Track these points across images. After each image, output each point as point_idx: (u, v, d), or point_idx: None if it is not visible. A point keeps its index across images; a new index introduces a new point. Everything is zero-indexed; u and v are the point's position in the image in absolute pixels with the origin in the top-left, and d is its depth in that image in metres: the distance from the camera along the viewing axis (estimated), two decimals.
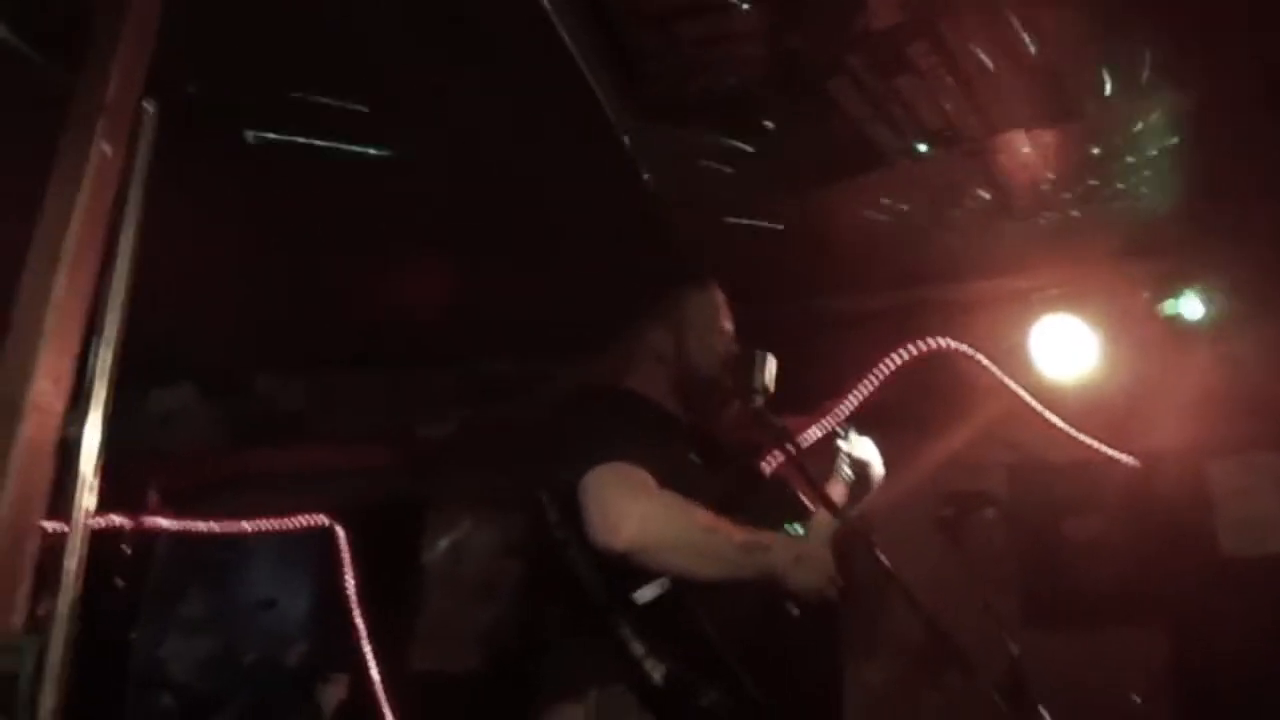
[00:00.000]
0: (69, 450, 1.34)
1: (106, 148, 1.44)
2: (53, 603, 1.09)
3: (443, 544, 4.61)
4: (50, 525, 1.37)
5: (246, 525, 4.66)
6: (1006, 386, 3.99)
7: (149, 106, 1.31)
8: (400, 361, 4.52)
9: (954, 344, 4.02)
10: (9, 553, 1.19)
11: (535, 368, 4.30)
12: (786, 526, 2.45)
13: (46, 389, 1.29)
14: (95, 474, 1.30)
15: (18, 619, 1.14)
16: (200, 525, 4.65)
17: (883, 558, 2.28)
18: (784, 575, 2.26)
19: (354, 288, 3.92)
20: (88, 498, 1.25)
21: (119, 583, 4.17)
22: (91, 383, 1.22)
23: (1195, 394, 3.82)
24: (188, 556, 4.77)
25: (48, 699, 1.05)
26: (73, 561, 1.10)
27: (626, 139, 3.10)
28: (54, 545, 1.28)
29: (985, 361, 4.01)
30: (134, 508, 4.22)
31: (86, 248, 1.39)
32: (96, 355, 1.21)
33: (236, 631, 4.72)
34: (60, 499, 1.32)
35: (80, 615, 1.18)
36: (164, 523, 4.51)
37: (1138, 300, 3.91)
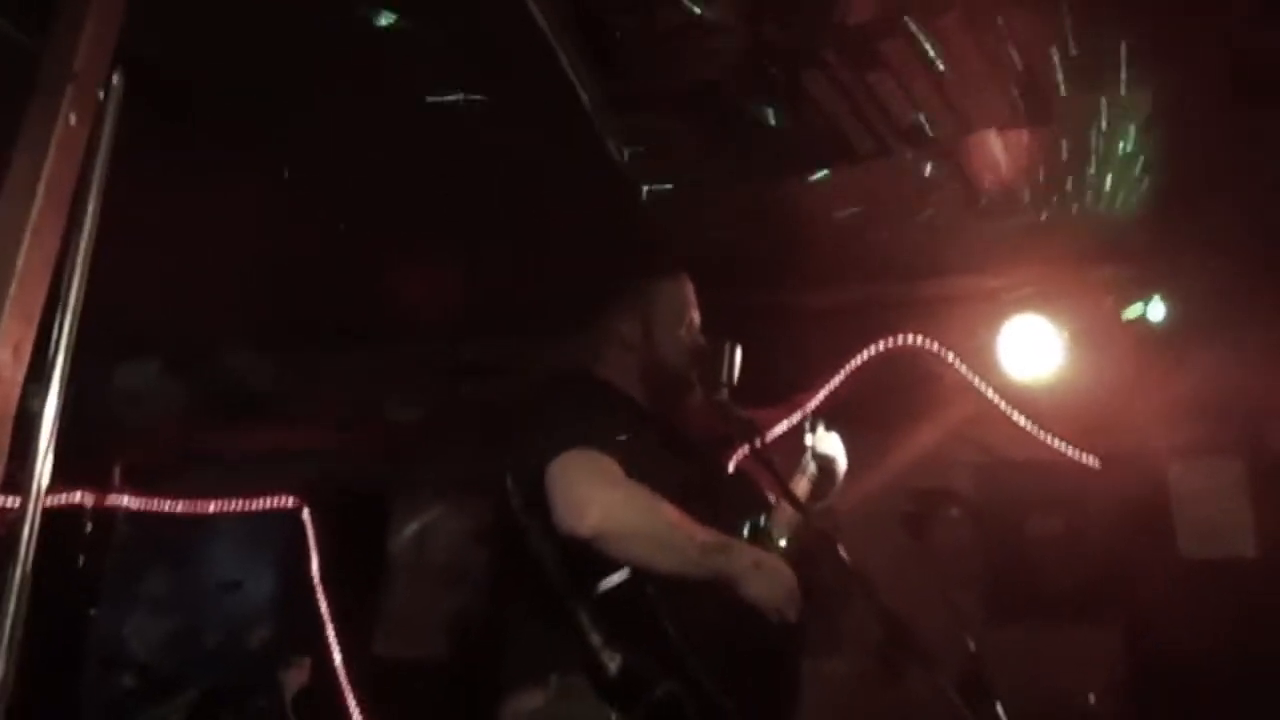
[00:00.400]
0: (27, 423, 1.33)
1: (73, 118, 1.43)
2: (5, 575, 1.08)
3: (410, 529, 4.60)
4: (6, 500, 1.36)
5: (211, 505, 4.64)
6: (973, 385, 4.03)
7: (117, 78, 1.30)
8: (371, 342, 4.50)
9: (922, 341, 4.05)
10: None
11: (507, 351, 4.29)
12: (756, 521, 2.46)
13: (6, 359, 1.28)
14: (51, 446, 1.29)
15: None
16: (164, 504, 4.62)
17: (844, 553, 2.29)
18: (741, 581, 2.26)
19: (326, 267, 3.90)
20: (45, 469, 1.24)
21: (80, 559, 4.14)
22: (54, 355, 1.21)
23: (1158, 397, 3.87)
24: (151, 535, 4.74)
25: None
26: (27, 532, 1.08)
27: (601, 128, 3.10)
28: (10, 520, 1.28)
29: (953, 360, 4.05)
30: (97, 484, 4.19)
31: (50, 218, 1.38)
32: (59, 327, 1.20)
33: (199, 612, 4.69)
34: (20, 473, 1.31)
35: (37, 590, 1.17)
36: (127, 500, 4.48)
37: (1104, 303, 3.95)
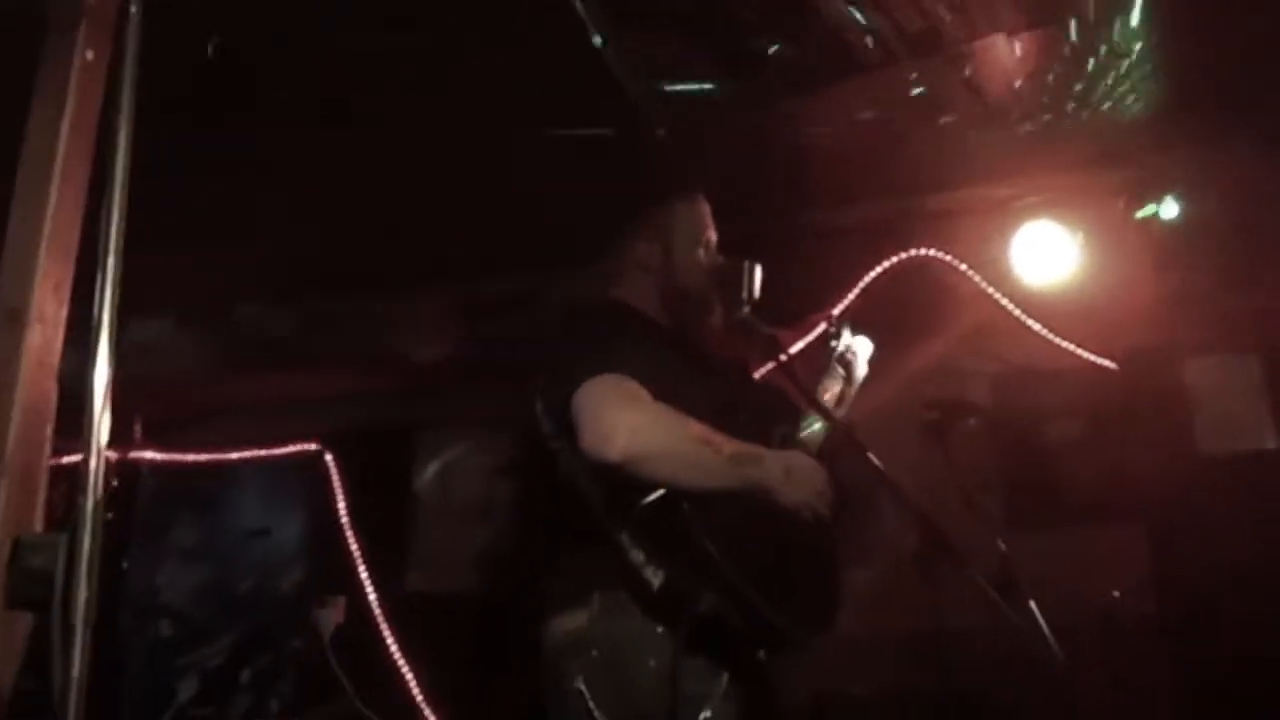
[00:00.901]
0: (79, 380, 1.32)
1: (89, 53, 1.42)
2: (79, 501, 1.10)
3: (434, 467, 4.64)
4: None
5: (234, 454, 4.67)
6: (988, 295, 4.02)
7: (134, 8, 1.28)
8: (389, 284, 4.50)
9: (935, 253, 4.04)
10: (25, 459, 1.19)
11: (525, 287, 4.29)
12: (786, 433, 2.48)
13: (48, 298, 1.28)
14: (108, 395, 1.26)
15: (39, 522, 1.15)
16: (187, 456, 4.65)
17: (874, 458, 2.31)
18: (774, 489, 2.29)
19: (341, 209, 3.88)
20: (103, 421, 1.21)
21: (108, 516, 4.16)
22: (100, 299, 1.19)
23: (1173, 297, 3.87)
24: (177, 487, 4.78)
25: (81, 593, 1.07)
26: (95, 458, 1.10)
27: (608, 50, 3.07)
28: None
29: (967, 270, 4.04)
30: (119, 439, 4.21)
31: (76, 155, 1.38)
32: (102, 268, 1.19)
33: (230, 560, 4.75)
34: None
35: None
36: (150, 454, 4.51)
37: (1116, 205, 3.93)
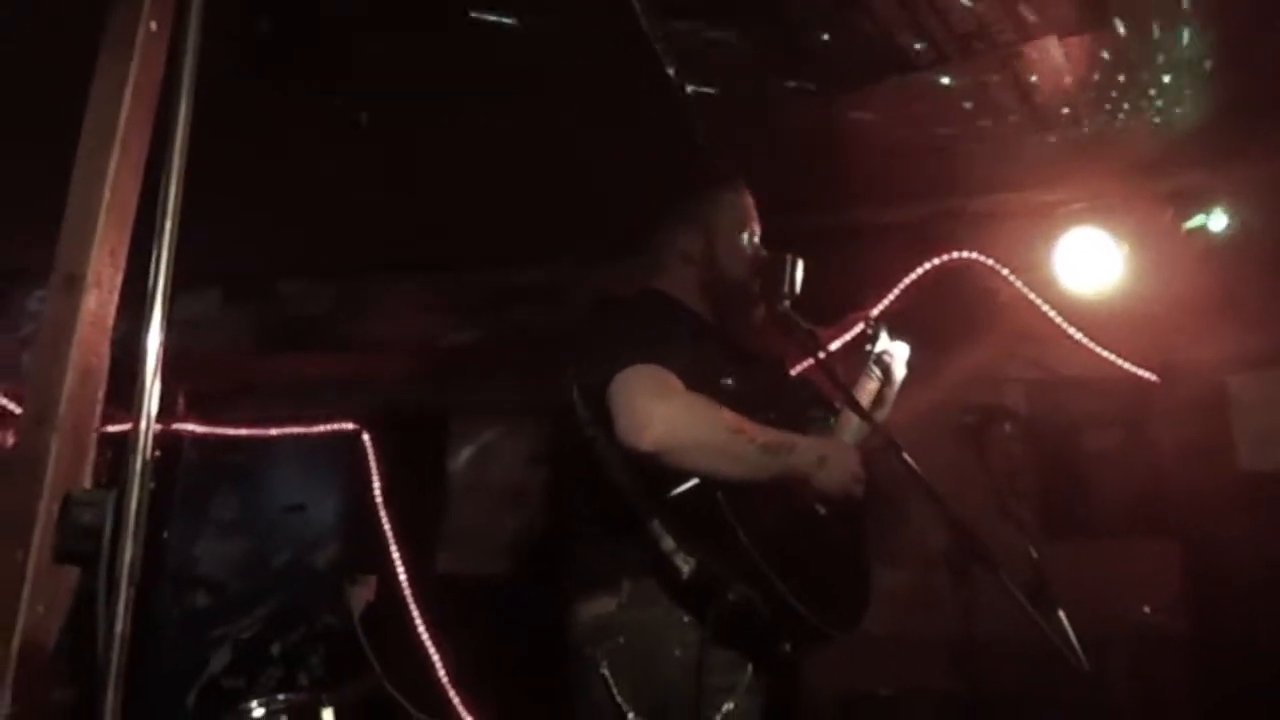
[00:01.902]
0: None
1: (153, 24, 1.45)
2: (127, 460, 1.12)
3: (469, 452, 4.67)
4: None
5: (273, 430, 4.73)
6: (1028, 300, 3.99)
7: None
8: (430, 267, 4.54)
9: (978, 256, 4.02)
10: (76, 418, 1.23)
11: (561, 274, 4.32)
12: (822, 426, 2.48)
13: (105, 263, 1.32)
14: (159, 365, 1.27)
15: (87, 481, 1.18)
16: (227, 430, 4.72)
17: (909, 459, 2.31)
18: (808, 475, 2.31)
19: (386, 191, 3.92)
20: (153, 391, 1.23)
21: (150, 485, 4.23)
22: (156, 269, 1.21)
23: (1217, 309, 3.82)
24: (217, 461, 4.85)
25: (127, 549, 1.09)
26: (144, 419, 1.13)
27: (656, 39, 3.07)
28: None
29: (1008, 275, 4.01)
30: (162, 412, 4.27)
31: (137, 124, 1.41)
32: (159, 237, 1.21)
33: (267, 534, 4.81)
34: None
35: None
36: (192, 427, 4.58)
37: (1163, 214, 3.89)
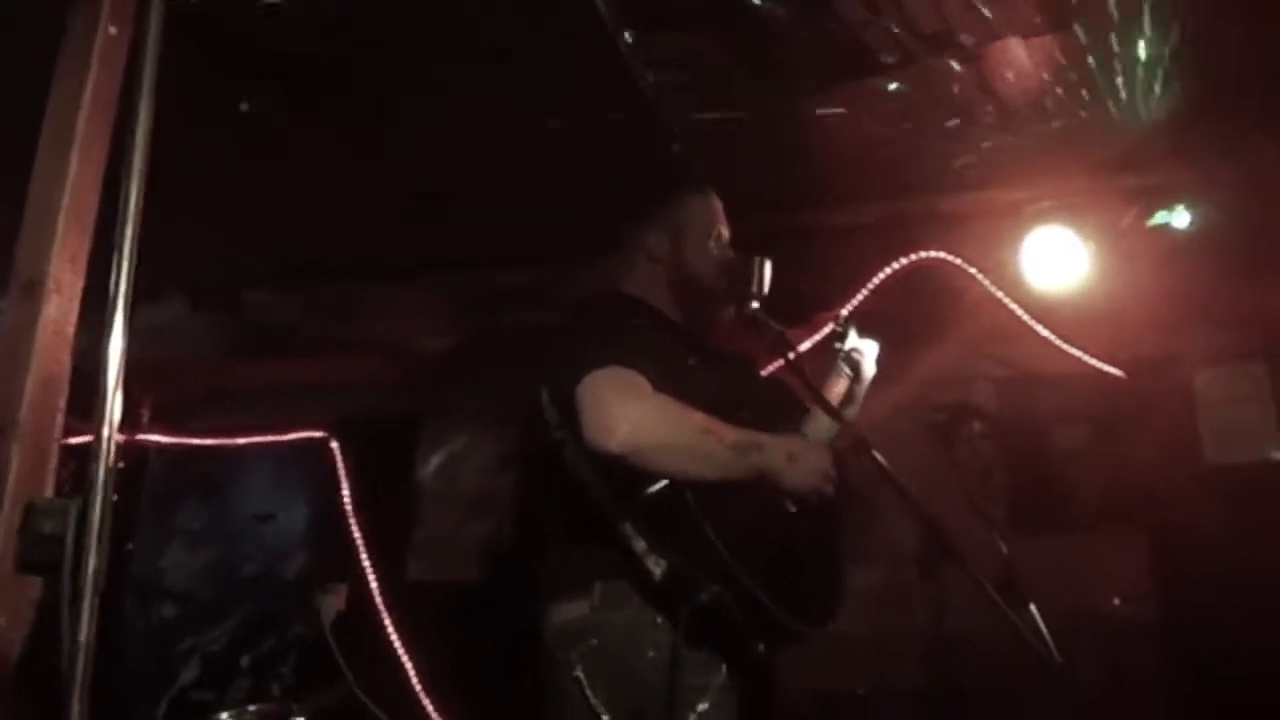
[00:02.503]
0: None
1: (112, 28, 1.43)
2: (90, 469, 1.11)
3: (438, 458, 4.65)
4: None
5: (240, 440, 4.69)
6: (996, 299, 4.02)
7: None
8: (397, 273, 4.51)
9: (945, 256, 4.04)
10: (37, 426, 1.20)
11: (534, 279, 4.30)
12: (791, 428, 2.48)
13: (65, 269, 1.30)
14: (120, 374, 1.25)
15: (48, 491, 1.16)
16: (193, 440, 4.68)
17: (879, 457, 2.31)
18: (778, 474, 2.30)
19: (350, 196, 3.89)
20: (115, 400, 1.21)
21: (114, 496, 4.18)
22: (116, 277, 1.19)
23: (1182, 305, 3.86)
24: (184, 471, 4.80)
25: (91, 559, 1.08)
26: (107, 426, 1.11)
27: (624, 44, 3.07)
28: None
29: (976, 273, 4.04)
30: (127, 422, 4.23)
31: (96, 128, 1.39)
32: (120, 244, 1.19)
33: (235, 544, 4.77)
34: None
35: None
36: (157, 437, 4.53)
37: (1128, 212, 3.93)
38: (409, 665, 4.21)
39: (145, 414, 4.38)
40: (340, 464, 4.60)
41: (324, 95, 3.22)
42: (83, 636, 1.06)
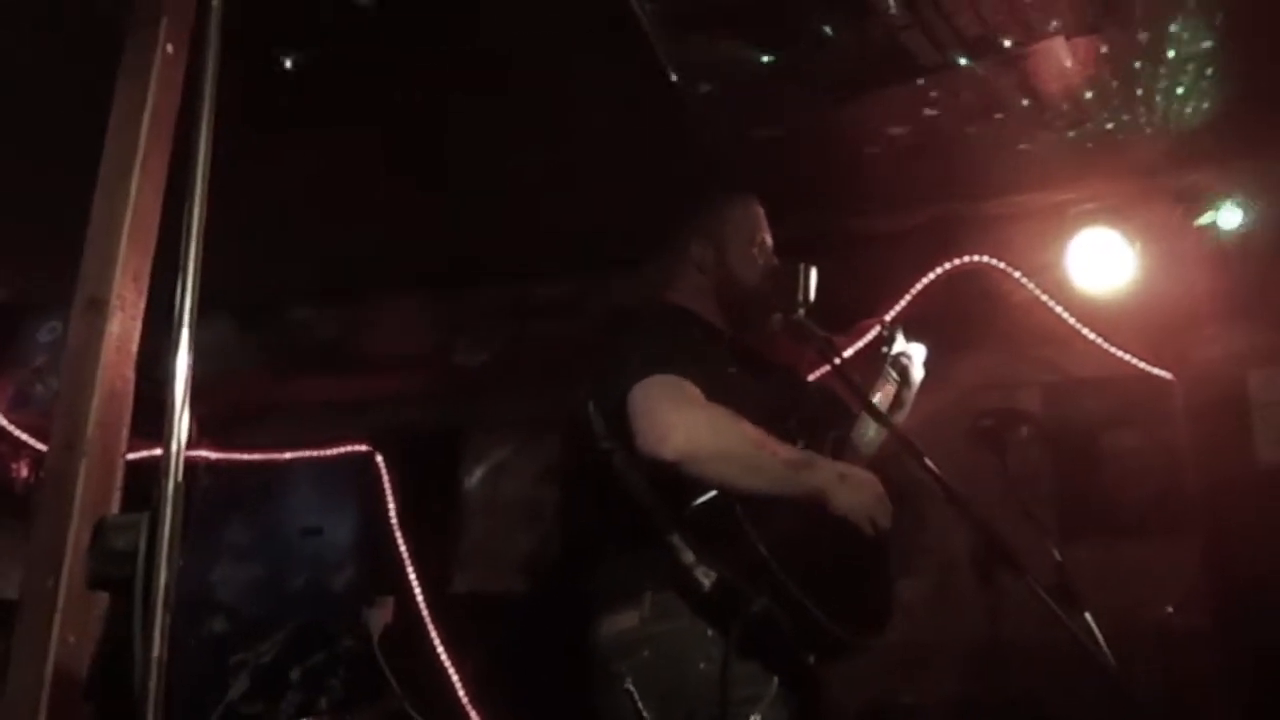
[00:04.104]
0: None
1: (169, 47, 1.45)
2: (159, 484, 1.12)
3: (482, 469, 4.66)
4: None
5: (287, 454, 4.73)
6: (1042, 302, 3.98)
7: (215, 2, 1.31)
8: (437, 286, 4.54)
9: (990, 260, 4.01)
10: (104, 442, 1.22)
11: (572, 290, 4.31)
12: (839, 436, 2.46)
13: (128, 286, 1.31)
14: (188, 392, 1.26)
15: (115, 505, 1.18)
16: (241, 455, 4.72)
17: (930, 463, 2.29)
18: (829, 494, 2.28)
19: (392, 211, 3.92)
20: (182, 417, 1.22)
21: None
22: (181, 293, 1.21)
23: (1233, 305, 3.81)
24: (231, 486, 4.84)
25: (162, 574, 1.09)
26: (175, 441, 1.12)
27: (662, 51, 3.07)
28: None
29: (1021, 277, 4.00)
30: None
31: (156, 148, 1.41)
32: (184, 260, 1.20)
33: (283, 558, 4.80)
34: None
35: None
36: (206, 453, 4.58)
37: (1174, 212, 3.88)
38: (456, 678, 4.21)
39: (194, 430, 4.42)
40: (385, 477, 4.63)
41: (370, 115, 3.25)
42: (155, 652, 1.07)
